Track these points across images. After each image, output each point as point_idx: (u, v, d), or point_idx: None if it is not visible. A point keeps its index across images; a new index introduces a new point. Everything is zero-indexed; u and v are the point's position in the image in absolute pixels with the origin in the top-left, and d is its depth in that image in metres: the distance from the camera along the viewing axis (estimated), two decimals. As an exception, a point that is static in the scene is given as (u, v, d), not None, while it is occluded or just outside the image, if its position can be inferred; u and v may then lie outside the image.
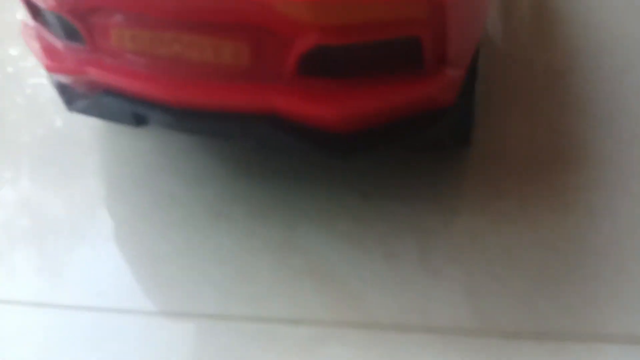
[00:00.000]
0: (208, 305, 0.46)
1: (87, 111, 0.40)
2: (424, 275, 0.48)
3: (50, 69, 0.40)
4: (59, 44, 0.39)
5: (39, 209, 0.61)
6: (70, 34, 0.38)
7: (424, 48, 0.33)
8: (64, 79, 0.40)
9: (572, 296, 0.48)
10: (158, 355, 0.44)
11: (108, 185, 0.55)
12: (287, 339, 0.44)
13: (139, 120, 0.37)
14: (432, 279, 0.48)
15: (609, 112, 0.60)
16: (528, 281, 0.49)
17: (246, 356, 0.43)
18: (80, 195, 0.60)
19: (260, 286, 0.46)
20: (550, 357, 0.44)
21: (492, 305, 0.47)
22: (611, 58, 0.63)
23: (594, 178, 0.54)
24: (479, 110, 0.55)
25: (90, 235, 0.55)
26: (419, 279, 0.48)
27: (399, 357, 0.43)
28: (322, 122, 0.33)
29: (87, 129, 0.65)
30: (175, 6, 0.30)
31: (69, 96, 0.41)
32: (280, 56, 0.31)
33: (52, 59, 0.39)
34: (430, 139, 0.40)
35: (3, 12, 0.96)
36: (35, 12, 0.39)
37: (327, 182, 0.51)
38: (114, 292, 0.50)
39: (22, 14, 0.92)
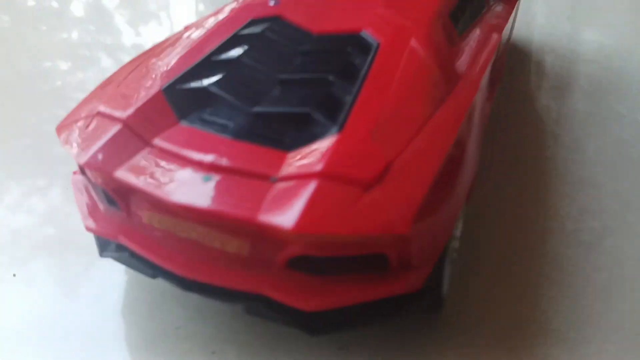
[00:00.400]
0: None
1: (115, 260, 0.46)
2: None
3: (88, 229, 0.46)
4: (100, 205, 0.45)
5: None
6: (111, 201, 0.44)
7: (390, 261, 0.39)
8: None
9: None
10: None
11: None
12: None
13: (156, 276, 0.44)
14: None
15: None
16: None
17: None
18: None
19: None
20: None
21: None
22: (592, 219, 0.60)
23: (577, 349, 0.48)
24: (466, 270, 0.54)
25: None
26: None
27: None
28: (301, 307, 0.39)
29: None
30: (188, 211, 0.37)
31: (103, 245, 0.47)
32: (273, 255, 0.38)
33: (93, 219, 0.46)
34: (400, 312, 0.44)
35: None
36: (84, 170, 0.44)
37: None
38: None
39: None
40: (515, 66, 0.95)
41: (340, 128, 0.40)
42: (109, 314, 0.51)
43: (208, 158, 0.39)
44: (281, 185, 0.37)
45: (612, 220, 0.62)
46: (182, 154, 0.40)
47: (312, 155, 0.38)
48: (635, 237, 0.60)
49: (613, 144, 0.75)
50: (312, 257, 0.38)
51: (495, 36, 0.61)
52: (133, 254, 0.44)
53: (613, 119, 0.80)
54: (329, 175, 0.37)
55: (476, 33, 0.60)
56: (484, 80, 0.55)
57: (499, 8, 0.73)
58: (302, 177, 0.37)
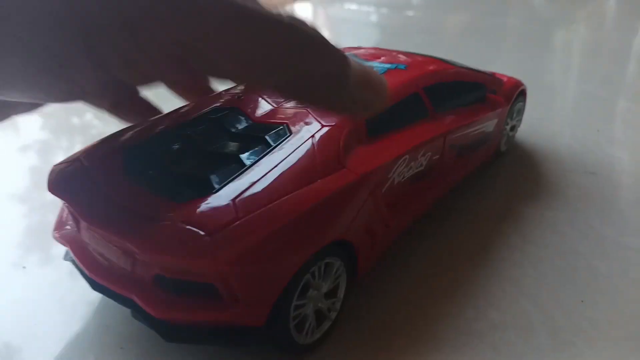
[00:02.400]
0: None
1: (71, 263, 0.62)
2: None
3: (54, 237, 0.63)
4: (65, 216, 0.65)
5: None
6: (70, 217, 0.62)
7: (220, 292, 0.50)
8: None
9: None
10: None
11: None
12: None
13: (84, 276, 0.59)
14: None
15: None
16: None
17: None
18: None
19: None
20: None
21: None
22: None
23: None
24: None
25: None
26: None
27: None
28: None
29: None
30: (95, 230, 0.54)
31: (66, 251, 0.64)
32: (144, 272, 0.52)
33: (58, 230, 0.63)
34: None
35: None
36: None
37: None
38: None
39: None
40: (515, 166, 1.00)
41: (217, 190, 0.53)
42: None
43: (119, 198, 0.54)
44: (156, 223, 0.50)
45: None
46: (106, 192, 0.56)
47: (185, 206, 0.52)
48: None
49: (568, 252, 0.77)
50: (165, 277, 0.51)
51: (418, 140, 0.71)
52: (72, 258, 0.61)
53: (579, 229, 0.82)
54: (184, 220, 0.50)
55: (406, 135, 0.70)
56: (382, 172, 0.64)
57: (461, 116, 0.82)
58: (168, 220, 0.50)
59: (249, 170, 0.56)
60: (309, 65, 0.39)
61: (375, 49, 0.93)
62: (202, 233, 0.48)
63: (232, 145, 0.61)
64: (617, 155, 1.06)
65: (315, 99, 0.42)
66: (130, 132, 0.64)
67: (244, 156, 0.58)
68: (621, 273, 0.73)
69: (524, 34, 2.02)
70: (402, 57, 0.86)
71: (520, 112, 1.07)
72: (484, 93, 0.91)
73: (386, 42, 0.95)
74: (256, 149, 0.59)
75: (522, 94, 1.04)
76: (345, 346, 0.61)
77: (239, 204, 0.51)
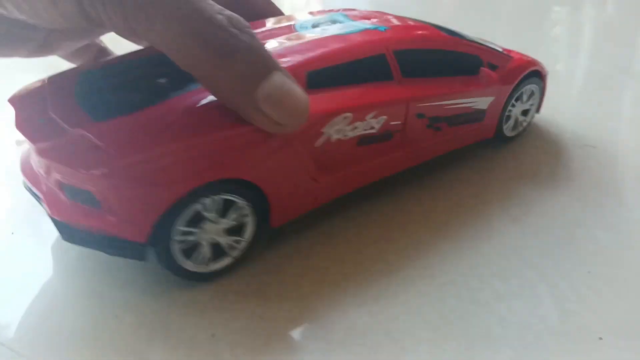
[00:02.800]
0: None
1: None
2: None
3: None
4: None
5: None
6: None
7: (100, 201, 0.54)
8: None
9: None
10: None
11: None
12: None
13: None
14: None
15: None
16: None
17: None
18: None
19: None
20: None
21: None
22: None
23: None
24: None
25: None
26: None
27: None
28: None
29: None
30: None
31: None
32: (50, 176, 0.57)
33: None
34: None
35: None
36: None
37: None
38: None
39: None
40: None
41: (128, 114, 0.57)
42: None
43: (56, 114, 0.59)
44: (67, 135, 0.56)
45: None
46: (49, 108, 0.61)
47: (96, 124, 0.56)
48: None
49: (570, 223, 0.77)
50: (63, 182, 0.56)
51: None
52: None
53: (580, 201, 0.81)
54: (84, 135, 0.55)
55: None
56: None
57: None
58: (77, 133, 0.56)
59: (169, 101, 0.58)
60: (223, 68, 0.47)
61: (368, 11, 0.89)
62: (92, 146, 0.53)
63: (167, 79, 0.62)
64: (618, 129, 1.05)
65: (222, 99, 0.52)
66: (95, 62, 0.72)
67: (171, 89, 0.60)
68: (626, 244, 0.72)
69: (525, 7, 1.99)
70: (392, 21, 0.84)
71: (534, 95, 0.96)
72: (476, 66, 0.85)
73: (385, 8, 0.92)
74: (187, 85, 0.60)
75: (536, 75, 0.94)
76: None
77: (136, 127, 0.55)
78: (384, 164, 0.76)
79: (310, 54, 0.65)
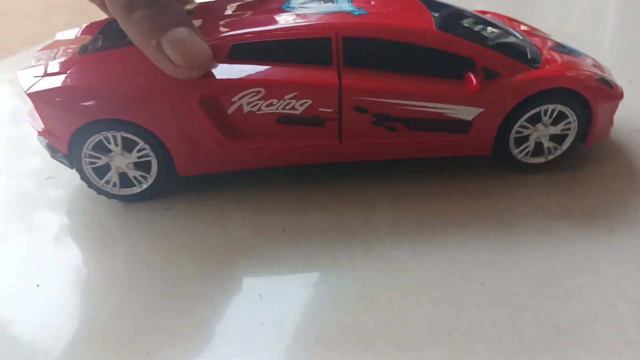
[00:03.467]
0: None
1: None
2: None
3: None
4: None
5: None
6: None
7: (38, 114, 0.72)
8: None
9: None
10: None
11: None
12: None
13: None
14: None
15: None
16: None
17: None
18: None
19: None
20: None
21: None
22: None
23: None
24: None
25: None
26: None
27: None
28: None
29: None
30: None
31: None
32: None
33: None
34: None
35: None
36: None
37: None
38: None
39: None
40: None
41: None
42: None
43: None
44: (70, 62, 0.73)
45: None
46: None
47: (81, 57, 0.74)
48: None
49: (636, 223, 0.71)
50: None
51: None
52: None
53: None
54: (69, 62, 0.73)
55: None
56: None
57: None
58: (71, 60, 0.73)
59: (117, 50, 0.71)
60: (128, 21, 0.62)
61: None
62: (64, 71, 0.69)
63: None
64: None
65: (134, 43, 0.64)
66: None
67: (128, 42, 0.69)
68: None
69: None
70: (383, 6, 0.77)
71: (569, 120, 0.77)
72: (462, 69, 0.73)
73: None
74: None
75: (572, 95, 0.75)
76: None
77: (88, 63, 0.71)
78: (317, 150, 0.74)
79: (245, 29, 0.69)
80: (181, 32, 0.60)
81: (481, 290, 0.62)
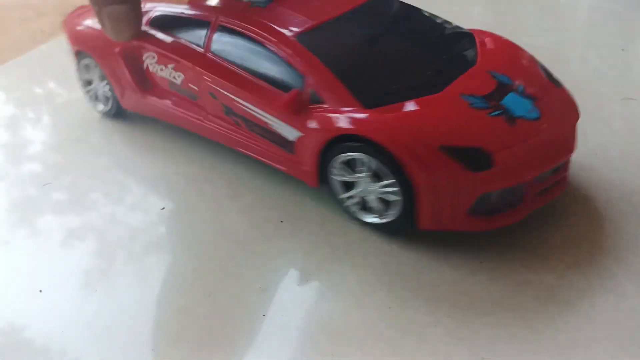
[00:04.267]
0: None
1: None
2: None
3: None
4: None
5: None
6: None
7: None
8: None
9: None
10: None
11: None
12: None
13: None
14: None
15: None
16: None
17: None
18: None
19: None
20: None
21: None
22: None
23: None
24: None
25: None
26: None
27: None
28: None
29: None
30: None
31: None
32: None
33: None
34: None
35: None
36: None
37: None
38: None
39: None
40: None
41: None
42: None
43: None
44: None
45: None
46: None
47: None
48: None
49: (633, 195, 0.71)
50: None
51: None
52: None
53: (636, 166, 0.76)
54: None
55: None
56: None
57: None
58: None
59: None
60: None
61: None
62: None
63: None
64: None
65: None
66: None
67: None
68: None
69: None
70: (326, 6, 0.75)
71: (386, 176, 0.61)
72: (293, 84, 0.67)
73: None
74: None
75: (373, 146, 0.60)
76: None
77: None
78: (196, 122, 0.81)
79: (167, 8, 0.81)
80: (119, 10, 0.67)
81: (480, 268, 0.62)
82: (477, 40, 0.72)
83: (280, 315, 0.58)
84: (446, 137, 0.57)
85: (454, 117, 0.59)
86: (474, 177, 0.56)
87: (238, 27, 0.72)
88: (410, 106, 0.60)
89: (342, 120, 0.61)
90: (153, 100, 0.85)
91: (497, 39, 0.73)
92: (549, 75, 0.70)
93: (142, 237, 0.71)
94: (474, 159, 0.56)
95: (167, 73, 0.80)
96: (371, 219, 0.66)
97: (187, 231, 0.71)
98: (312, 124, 0.64)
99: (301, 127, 0.66)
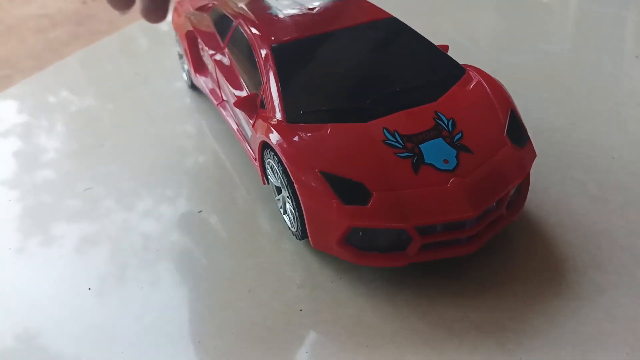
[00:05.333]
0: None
1: None
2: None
3: None
4: None
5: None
6: None
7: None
8: None
9: None
10: None
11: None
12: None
13: None
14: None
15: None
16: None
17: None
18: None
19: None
20: None
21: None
22: None
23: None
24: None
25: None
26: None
27: None
28: None
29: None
30: None
31: None
32: None
33: None
34: None
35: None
36: None
37: None
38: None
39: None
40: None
41: None
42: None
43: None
44: None
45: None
46: None
47: None
48: None
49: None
50: None
51: None
52: None
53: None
54: None
55: None
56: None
57: None
58: None
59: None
60: None
61: None
62: None
63: None
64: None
65: None
66: None
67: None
68: None
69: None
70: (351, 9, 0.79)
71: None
72: (256, 87, 0.73)
73: None
74: None
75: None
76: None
77: None
78: (220, 107, 0.92)
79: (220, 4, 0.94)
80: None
81: (503, 267, 0.65)
82: (463, 77, 0.67)
83: (315, 309, 0.62)
84: (331, 164, 0.58)
85: (356, 149, 0.59)
86: (343, 209, 0.56)
87: (243, 29, 0.80)
88: (323, 129, 0.61)
89: (265, 129, 0.64)
90: (202, 80, 0.97)
91: (486, 81, 0.66)
92: (517, 129, 0.63)
93: (179, 237, 0.74)
94: (349, 191, 0.56)
95: (206, 59, 0.94)
96: (288, 223, 0.70)
97: (223, 232, 0.75)
98: (255, 126, 0.69)
99: (253, 126, 0.71)
